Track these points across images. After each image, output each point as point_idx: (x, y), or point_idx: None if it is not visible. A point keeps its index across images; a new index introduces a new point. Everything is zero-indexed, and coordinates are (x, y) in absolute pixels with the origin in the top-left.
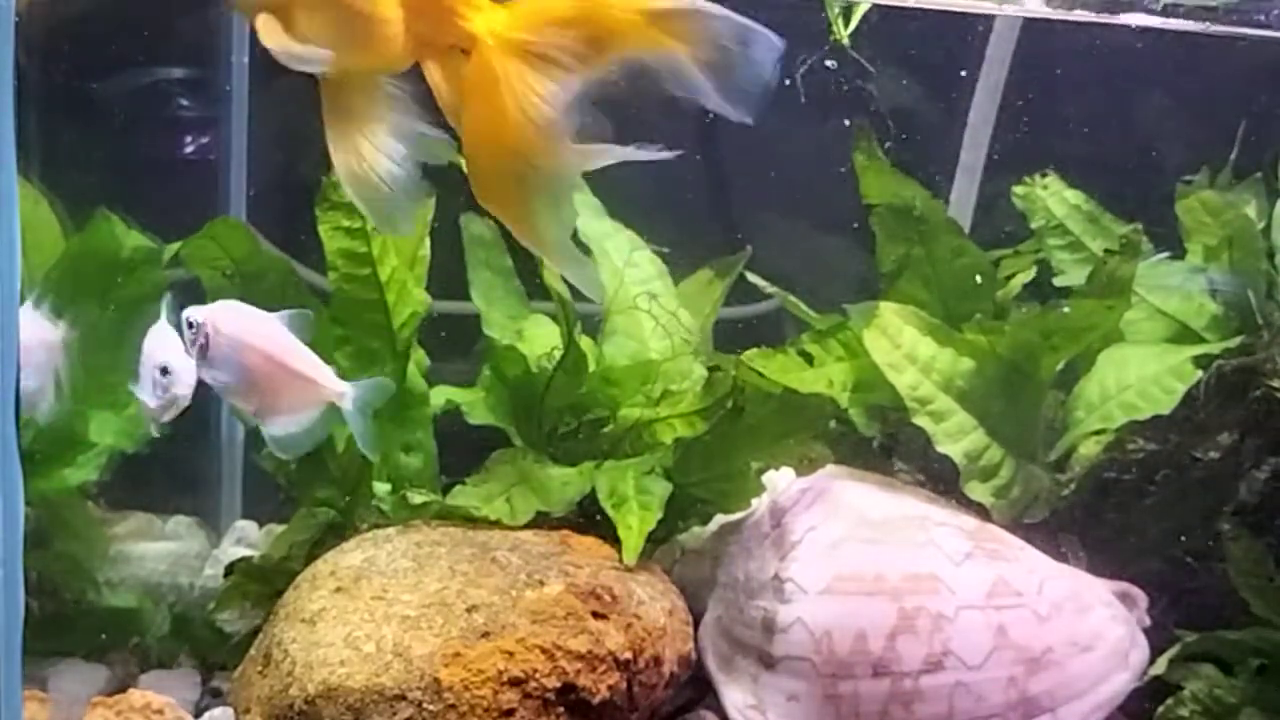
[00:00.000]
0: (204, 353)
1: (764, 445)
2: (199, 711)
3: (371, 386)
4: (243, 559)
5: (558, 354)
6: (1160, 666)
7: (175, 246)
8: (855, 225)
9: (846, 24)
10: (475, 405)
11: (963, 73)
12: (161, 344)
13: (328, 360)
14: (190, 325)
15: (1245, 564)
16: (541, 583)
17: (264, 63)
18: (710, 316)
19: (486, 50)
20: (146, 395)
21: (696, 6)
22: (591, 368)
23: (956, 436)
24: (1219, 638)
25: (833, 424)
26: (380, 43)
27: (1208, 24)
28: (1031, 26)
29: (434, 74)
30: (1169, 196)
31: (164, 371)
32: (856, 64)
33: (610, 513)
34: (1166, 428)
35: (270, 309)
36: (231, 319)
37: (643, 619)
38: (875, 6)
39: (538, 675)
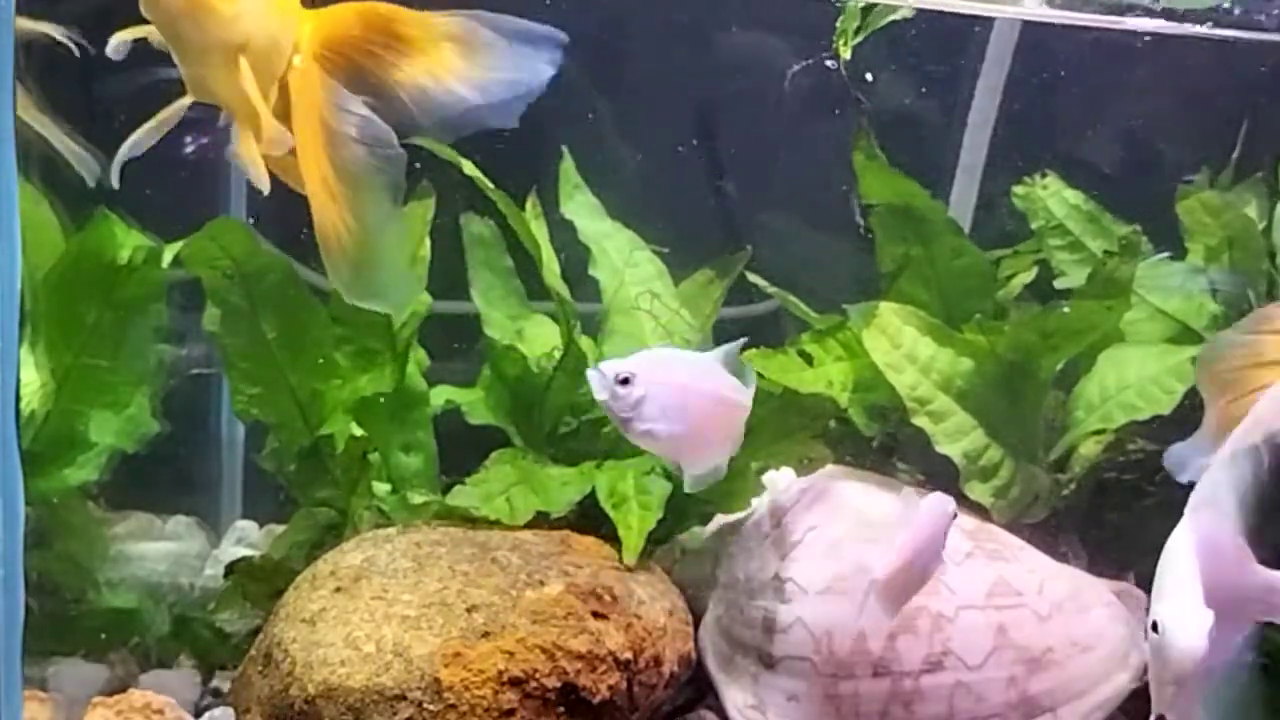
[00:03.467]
0: (636, 407)
1: (764, 445)
2: (199, 711)
3: None
4: (243, 559)
5: (558, 354)
6: None
7: (175, 246)
8: (857, 225)
9: (859, 33)
10: (475, 405)
11: (963, 74)
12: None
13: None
14: (623, 381)
15: None
16: (541, 583)
17: None
18: (710, 316)
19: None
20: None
21: (476, 15)
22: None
23: (956, 437)
24: None
25: (833, 424)
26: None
27: (1209, 25)
28: (1031, 27)
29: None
30: (1169, 196)
31: None
32: (857, 65)
33: (610, 513)
34: (1166, 428)
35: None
36: (673, 368)
37: (643, 619)
38: (883, 11)
39: (538, 675)
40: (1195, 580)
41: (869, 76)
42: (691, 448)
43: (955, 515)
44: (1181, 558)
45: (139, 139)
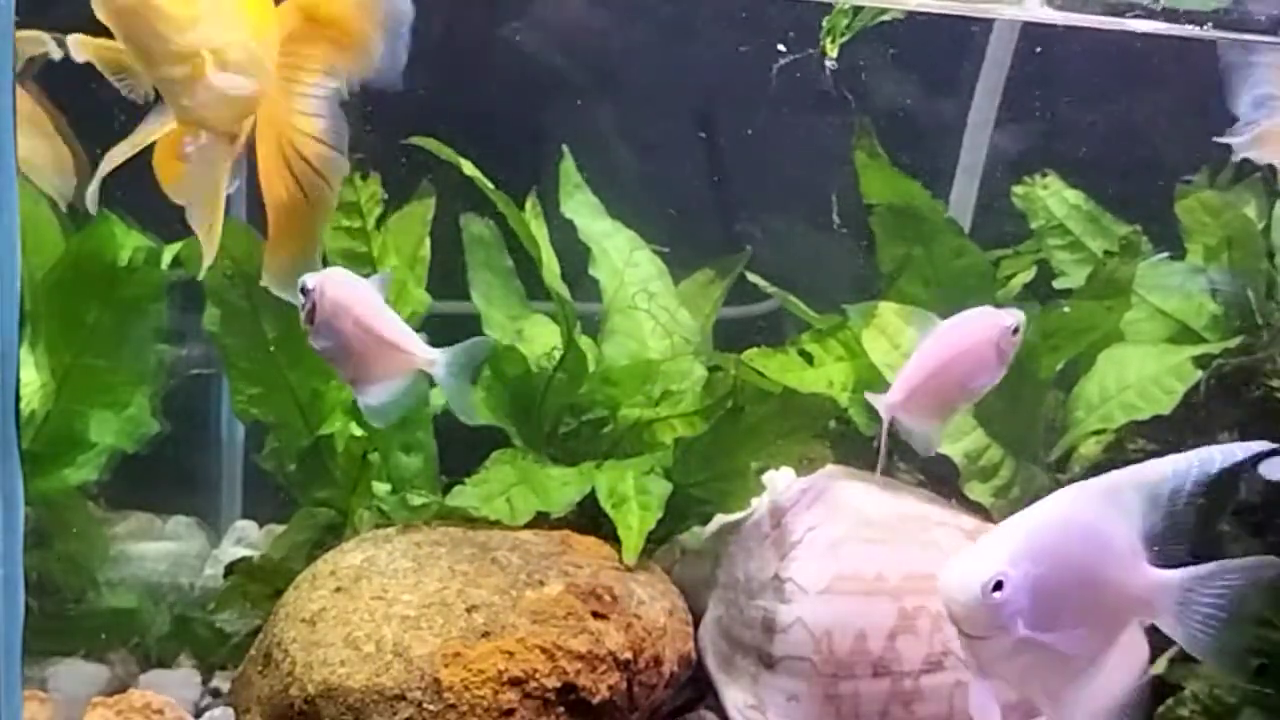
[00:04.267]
0: (311, 318)
1: (764, 445)
2: (199, 711)
3: (464, 351)
4: (243, 559)
5: (558, 354)
6: (1160, 666)
7: (175, 246)
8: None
9: (847, 31)
10: (475, 405)
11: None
12: None
13: None
14: (304, 291)
15: None
16: (541, 583)
17: None
18: (710, 316)
19: None
20: None
21: None
22: (591, 368)
23: (956, 436)
24: None
25: (833, 424)
26: None
27: (1207, 26)
28: (1031, 28)
29: None
30: (1169, 196)
31: None
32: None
33: (610, 513)
34: (1166, 428)
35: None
36: (335, 285)
37: (643, 619)
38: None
39: (538, 675)
40: (1017, 537)
41: (866, 76)
42: (351, 370)
43: (1017, 329)
44: (1026, 514)
45: (116, 154)
